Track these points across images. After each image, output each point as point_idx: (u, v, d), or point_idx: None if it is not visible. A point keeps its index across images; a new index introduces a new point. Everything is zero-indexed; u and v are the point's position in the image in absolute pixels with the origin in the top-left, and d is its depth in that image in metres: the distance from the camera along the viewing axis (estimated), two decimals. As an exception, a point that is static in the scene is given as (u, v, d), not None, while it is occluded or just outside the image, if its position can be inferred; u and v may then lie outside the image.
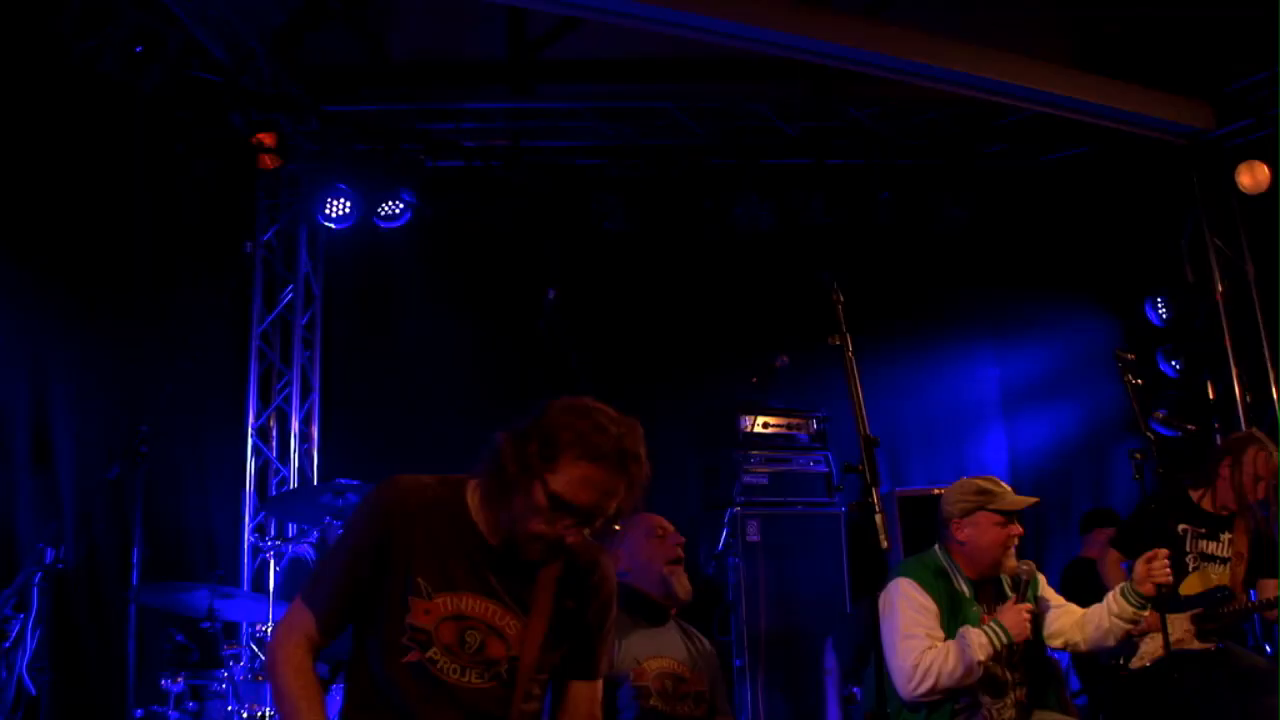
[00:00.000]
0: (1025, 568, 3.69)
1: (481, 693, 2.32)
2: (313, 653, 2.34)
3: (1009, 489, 3.76)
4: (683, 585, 3.33)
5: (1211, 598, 4.42)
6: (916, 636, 3.54)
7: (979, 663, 3.49)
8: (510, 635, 2.35)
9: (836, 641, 5.75)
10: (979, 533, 3.69)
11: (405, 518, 2.34)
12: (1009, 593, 3.75)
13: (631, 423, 2.33)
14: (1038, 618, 3.72)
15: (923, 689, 3.47)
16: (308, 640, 2.34)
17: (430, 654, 2.29)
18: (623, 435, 2.28)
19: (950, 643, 3.54)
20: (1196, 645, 4.36)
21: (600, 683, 2.55)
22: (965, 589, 3.69)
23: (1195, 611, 4.42)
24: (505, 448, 2.30)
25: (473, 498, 2.38)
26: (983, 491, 3.73)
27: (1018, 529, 3.69)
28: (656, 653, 3.31)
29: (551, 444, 2.26)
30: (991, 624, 3.55)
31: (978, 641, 3.51)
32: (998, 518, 3.67)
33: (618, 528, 2.38)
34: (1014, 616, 3.55)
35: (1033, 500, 3.76)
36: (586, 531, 2.31)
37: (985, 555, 3.69)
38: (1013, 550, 3.69)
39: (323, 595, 2.35)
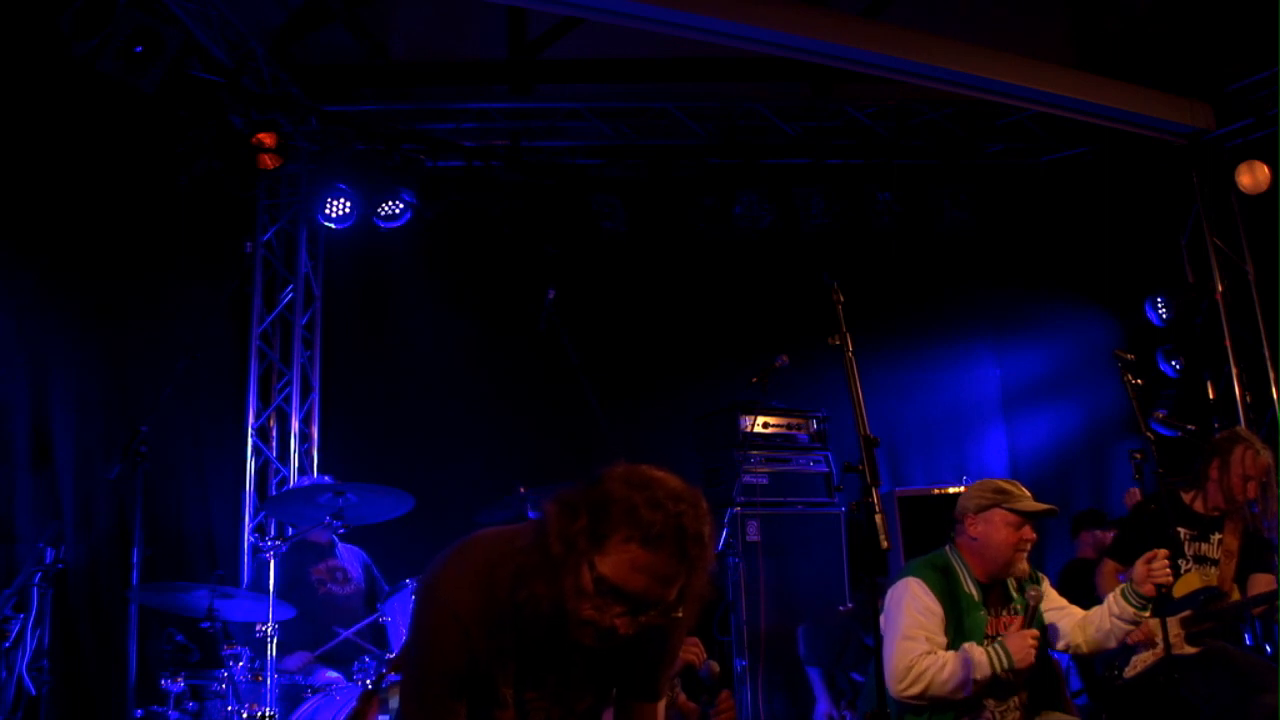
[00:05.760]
0: (1034, 592, 3.67)
1: None
2: None
3: (1029, 494, 3.74)
4: None
5: (1195, 600, 4.38)
6: (916, 639, 3.54)
7: (974, 682, 3.49)
8: (580, 707, 2.28)
9: (816, 635, 5.79)
10: (991, 530, 3.67)
11: (480, 620, 2.13)
12: (1014, 595, 3.75)
13: (694, 496, 2.07)
14: (1043, 644, 3.70)
15: (911, 692, 3.47)
16: None
17: None
18: (681, 514, 2.02)
19: (950, 654, 3.53)
20: (1187, 650, 4.29)
21: (662, 703, 2.43)
22: (974, 591, 3.68)
23: (1184, 615, 4.37)
24: (552, 522, 2.07)
25: (526, 566, 2.14)
26: (1001, 491, 3.72)
27: (1030, 534, 3.67)
28: None
29: (600, 521, 2.02)
30: (996, 646, 3.53)
31: (978, 660, 3.50)
32: (1012, 518, 3.66)
33: (679, 615, 2.13)
34: (1019, 642, 3.53)
35: (1049, 508, 3.73)
36: (642, 620, 2.06)
37: (995, 555, 3.68)
38: (1024, 556, 3.67)
39: None
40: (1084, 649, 3.81)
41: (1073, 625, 3.80)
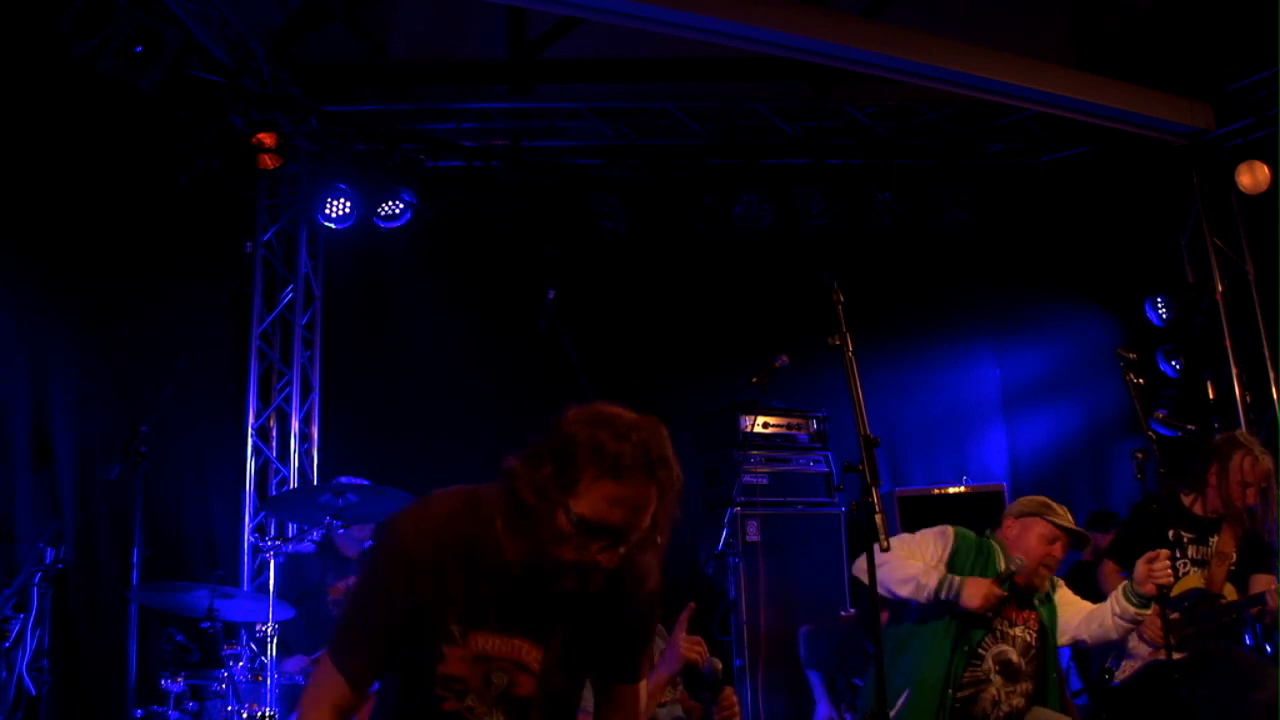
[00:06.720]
0: (1017, 564, 3.77)
1: None
2: (343, 718, 2.19)
3: (1071, 518, 3.88)
4: None
5: (1180, 604, 4.36)
6: (905, 544, 3.82)
7: (918, 585, 3.68)
8: (538, 668, 2.23)
9: (817, 639, 5.79)
10: (1025, 535, 3.81)
11: (429, 560, 2.15)
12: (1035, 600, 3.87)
13: (652, 424, 2.12)
14: (1048, 645, 3.83)
15: (879, 573, 3.61)
16: (335, 710, 2.16)
17: (467, 702, 2.18)
18: (645, 441, 2.06)
19: (920, 561, 3.78)
20: (1175, 655, 4.27)
21: (643, 683, 2.43)
22: (1005, 569, 3.80)
23: (1172, 617, 4.34)
24: (519, 476, 2.08)
25: (499, 521, 2.15)
26: (1045, 505, 3.87)
27: (1059, 551, 3.80)
28: None
29: (568, 465, 2.04)
30: (954, 578, 3.70)
31: (931, 573, 3.71)
32: (1048, 531, 3.78)
33: (660, 539, 2.17)
34: (975, 587, 3.67)
35: (1082, 532, 3.90)
36: (621, 550, 2.10)
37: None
38: (1047, 573, 3.81)
39: (350, 654, 2.18)
40: (1088, 642, 3.92)
41: (1079, 620, 3.88)
